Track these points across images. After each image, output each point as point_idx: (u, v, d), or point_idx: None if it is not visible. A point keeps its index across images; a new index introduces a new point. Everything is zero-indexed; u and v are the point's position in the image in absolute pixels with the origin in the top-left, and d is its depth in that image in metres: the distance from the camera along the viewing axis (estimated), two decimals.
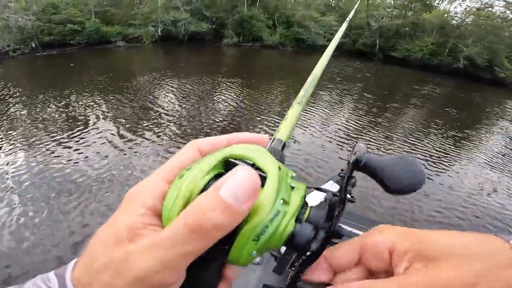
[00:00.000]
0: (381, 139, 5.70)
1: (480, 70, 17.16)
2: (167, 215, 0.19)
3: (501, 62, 16.75)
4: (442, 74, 16.81)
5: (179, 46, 15.26)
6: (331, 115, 6.90)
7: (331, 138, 5.47)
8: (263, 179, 0.19)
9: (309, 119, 6.30)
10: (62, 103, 6.25)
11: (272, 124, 5.83)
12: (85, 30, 12.79)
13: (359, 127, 6.23)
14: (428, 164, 5.00)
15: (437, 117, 7.87)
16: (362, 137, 5.69)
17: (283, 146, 0.28)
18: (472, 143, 6.55)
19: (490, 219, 3.69)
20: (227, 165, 0.22)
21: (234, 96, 7.60)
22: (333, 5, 23.60)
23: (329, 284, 0.22)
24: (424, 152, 5.45)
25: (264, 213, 0.18)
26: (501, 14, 18.05)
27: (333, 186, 1.29)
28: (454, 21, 19.19)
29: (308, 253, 0.21)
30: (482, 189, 4.42)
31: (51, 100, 6.41)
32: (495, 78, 16.92)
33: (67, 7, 12.99)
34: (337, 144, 5.28)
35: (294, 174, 0.22)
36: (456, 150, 5.81)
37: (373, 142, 5.57)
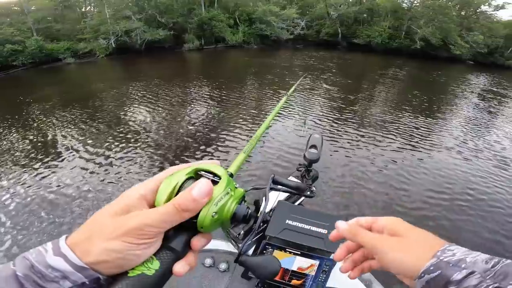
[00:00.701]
0: (354, 128, 6.09)
1: (437, 49, 18.85)
2: (160, 198, 0.30)
3: (455, 40, 18.45)
4: (403, 56, 18.26)
5: (137, 56, 14.89)
6: (300, 109, 7.22)
7: (302, 130, 5.73)
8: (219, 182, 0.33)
9: (279, 114, 6.56)
10: (21, 130, 5.96)
11: (246, 125, 5.96)
12: (27, 49, 12.03)
13: (330, 118, 6.61)
14: (405, 141, 5.48)
15: (403, 99, 8.55)
16: (334, 127, 6.05)
17: (231, 175, 0.44)
18: (443, 116, 7.26)
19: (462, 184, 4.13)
20: (197, 173, 0.34)
21: (206, 100, 7.67)
22: None
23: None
24: (397, 131, 5.95)
25: (220, 190, 0.31)
26: None
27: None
28: (404, 4, 20.74)
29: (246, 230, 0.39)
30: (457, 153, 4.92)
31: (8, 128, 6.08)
32: (451, 56, 18.70)
33: (1, 27, 12.09)
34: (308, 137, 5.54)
35: (238, 184, 0.37)
36: (427, 126, 6.40)
37: (346, 132, 5.88)
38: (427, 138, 5.84)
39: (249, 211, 0.35)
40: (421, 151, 5.24)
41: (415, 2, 20.34)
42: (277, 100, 7.63)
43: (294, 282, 1.15)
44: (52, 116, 6.75)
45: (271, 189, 0.40)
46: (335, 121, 6.43)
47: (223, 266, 1.36)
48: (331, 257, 1.13)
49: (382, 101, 8.08)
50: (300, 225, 1.16)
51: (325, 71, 11.66)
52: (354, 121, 6.60)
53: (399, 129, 6.17)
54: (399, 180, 4.24)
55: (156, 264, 0.27)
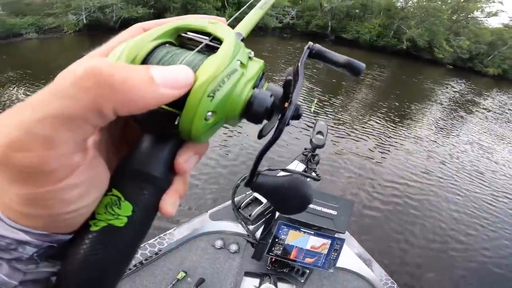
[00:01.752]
0: (335, 124, 6.43)
1: (420, 51, 19.98)
2: None
3: (440, 43, 19.71)
4: (387, 54, 19.18)
5: (110, 34, 13.93)
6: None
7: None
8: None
9: None
10: None
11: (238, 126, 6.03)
12: None
13: (313, 113, 6.88)
14: (383, 138, 5.99)
15: (384, 98, 9.16)
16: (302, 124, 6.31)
17: (242, 40, 0.27)
18: (413, 121, 7.92)
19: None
20: (181, 41, 0.22)
21: None
22: None
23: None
24: (376, 129, 6.45)
25: (220, 68, 0.18)
26: None
27: (298, 166, 1.50)
28: (399, 3, 21.65)
29: (269, 135, 0.22)
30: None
31: None
32: (433, 59, 19.96)
33: None
34: (292, 130, 5.80)
35: (253, 53, 0.23)
36: (397, 130, 6.93)
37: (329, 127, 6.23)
38: (394, 141, 6.30)
39: (273, 98, 0.21)
40: (386, 152, 5.69)
41: (410, 2, 21.24)
42: None
43: (308, 260, 1.29)
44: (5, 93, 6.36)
45: (314, 56, 0.27)
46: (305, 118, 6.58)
47: (233, 247, 1.46)
48: (341, 236, 1.29)
49: (358, 102, 8.52)
50: (312, 206, 1.31)
51: (307, 66, 11.94)
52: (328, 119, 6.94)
53: (369, 130, 6.58)
54: (367, 179, 4.61)
55: (127, 208, 0.18)
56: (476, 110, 10.54)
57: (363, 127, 6.53)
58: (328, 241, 1.26)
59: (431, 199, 4.31)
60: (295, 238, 1.28)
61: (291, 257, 1.28)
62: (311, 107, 6.57)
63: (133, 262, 1.30)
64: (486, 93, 14.51)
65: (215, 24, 0.21)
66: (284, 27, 20.48)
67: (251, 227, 1.34)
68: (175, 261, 1.37)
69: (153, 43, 0.19)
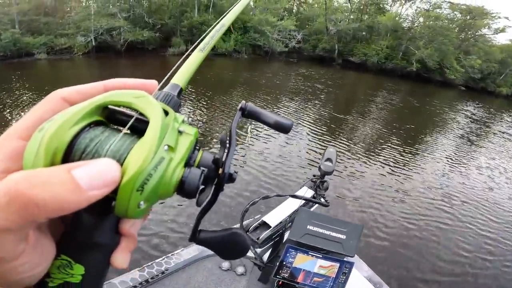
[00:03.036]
0: (343, 151, 6.52)
1: (431, 72, 20.43)
2: (28, 165, 0.18)
3: (451, 64, 20.13)
4: (397, 78, 19.59)
5: (117, 57, 15.02)
6: (300, 122, 7.69)
7: (294, 150, 6.16)
8: (147, 124, 0.21)
9: (273, 132, 6.91)
10: None
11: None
12: (0, 42, 12.04)
13: (321, 140, 7.07)
14: (392, 171, 5.95)
15: (395, 123, 9.28)
16: (323, 149, 6.45)
17: (180, 92, 0.28)
18: (426, 149, 7.93)
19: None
20: (108, 113, 0.22)
21: (188, 112, 7.87)
22: (294, 11, 25.83)
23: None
24: (386, 161, 6.42)
25: (146, 161, 0.19)
26: (448, 15, 21.70)
27: (307, 192, 1.55)
28: (405, 24, 22.62)
29: (204, 203, 0.24)
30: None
31: None
32: (444, 80, 20.34)
33: None
34: (300, 155, 5.96)
35: (186, 119, 0.24)
36: (410, 159, 6.99)
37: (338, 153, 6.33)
38: (408, 170, 6.31)
39: (204, 173, 0.23)
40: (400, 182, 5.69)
41: (417, 21, 22.09)
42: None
43: (315, 283, 1.35)
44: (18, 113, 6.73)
45: (246, 116, 0.30)
46: (316, 149, 6.68)
47: (240, 269, 1.53)
48: (350, 260, 1.36)
49: (369, 128, 8.61)
50: (320, 230, 1.40)
51: (315, 93, 12.02)
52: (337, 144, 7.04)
53: (381, 156, 6.64)
54: (379, 209, 4.61)
55: (79, 269, 0.21)
56: (494, 134, 10.55)
57: (374, 153, 6.65)
58: (337, 265, 1.34)
59: (444, 228, 4.28)
60: (303, 262, 1.36)
61: (299, 280, 1.35)
62: (246, 137, 6.34)
63: (139, 280, 1.38)
64: (501, 115, 14.53)
65: (140, 98, 0.22)
66: (290, 51, 21.29)
67: (258, 250, 1.43)
68: (180, 281, 1.43)
69: (74, 128, 0.19)
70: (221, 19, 0.39)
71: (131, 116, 0.22)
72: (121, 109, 0.23)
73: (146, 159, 0.19)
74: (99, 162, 0.18)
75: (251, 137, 6.62)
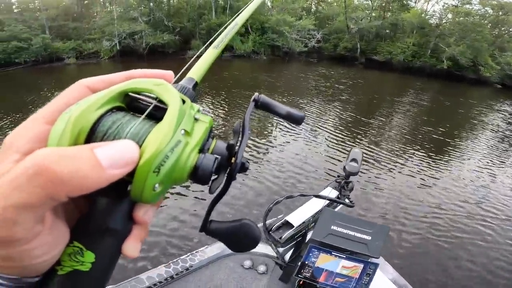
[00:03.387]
0: (367, 155, 6.38)
1: (463, 70, 19.44)
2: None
3: (485, 61, 19.00)
4: (425, 76, 18.73)
5: (139, 61, 15.68)
6: (316, 127, 7.58)
7: (322, 147, 6.26)
8: (165, 111, 0.22)
9: (297, 132, 6.93)
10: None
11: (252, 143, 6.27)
12: (32, 47, 12.93)
13: (345, 140, 6.98)
14: (422, 174, 5.74)
15: (423, 127, 8.82)
16: (349, 149, 6.34)
17: (195, 85, 0.29)
18: (462, 144, 7.47)
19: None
20: (129, 100, 0.24)
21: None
22: (313, 10, 25.67)
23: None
24: (414, 166, 6.18)
25: (163, 143, 0.20)
26: (479, 11, 20.62)
27: (331, 192, 1.52)
28: (433, 20, 21.68)
29: (218, 189, 0.25)
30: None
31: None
32: (479, 78, 19.23)
33: (14, 23, 13.18)
34: (325, 155, 5.99)
35: (202, 108, 0.25)
36: (446, 158, 6.66)
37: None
38: (437, 171, 6.03)
39: (217, 160, 0.24)
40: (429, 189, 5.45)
41: (446, 18, 21.18)
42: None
43: (338, 283, 1.36)
44: None
45: (259, 107, 0.31)
46: (334, 154, 6.55)
47: (262, 268, 1.57)
48: (375, 261, 1.36)
49: (395, 131, 8.28)
50: (344, 231, 1.42)
51: (335, 94, 11.69)
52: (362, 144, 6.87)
53: (409, 163, 6.37)
54: (405, 213, 4.46)
55: (89, 256, 0.21)
56: None
57: (401, 157, 6.42)
58: (361, 265, 1.35)
59: (480, 243, 4.01)
60: (325, 262, 1.38)
61: (320, 280, 1.37)
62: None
63: (165, 276, 1.46)
64: None
65: (160, 86, 0.23)
66: (310, 51, 21.13)
67: (280, 250, 1.46)
68: (204, 278, 1.50)
69: (98, 112, 0.21)
70: (235, 17, 0.40)
71: (151, 104, 0.23)
72: (141, 96, 0.24)
73: (163, 141, 0.20)
74: (120, 143, 0.20)
75: None
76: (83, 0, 16.82)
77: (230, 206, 3.93)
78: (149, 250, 3.18)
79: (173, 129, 0.21)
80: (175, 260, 1.52)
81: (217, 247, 1.58)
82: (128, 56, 15.77)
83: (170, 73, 0.27)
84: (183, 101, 0.24)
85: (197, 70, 0.32)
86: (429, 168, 5.94)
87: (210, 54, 0.34)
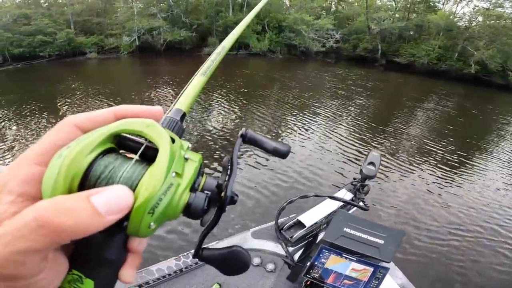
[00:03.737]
0: (387, 156, 6.31)
1: (492, 75, 18.68)
2: (47, 190, 0.21)
3: None
4: (449, 80, 18.06)
5: (157, 57, 16.08)
6: (334, 129, 7.56)
7: (335, 151, 6.26)
8: (156, 152, 0.23)
9: (312, 133, 6.93)
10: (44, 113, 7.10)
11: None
12: (56, 41, 13.55)
13: (362, 143, 6.92)
14: (444, 175, 5.72)
15: (445, 134, 8.57)
16: (365, 153, 6.27)
17: (183, 117, 0.30)
18: (485, 153, 7.23)
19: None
20: (119, 140, 0.25)
21: (226, 107, 8.14)
22: (332, 10, 25.39)
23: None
24: (434, 173, 6.05)
25: (156, 188, 0.22)
26: (511, 15, 19.76)
27: (346, 195, 1.54)
28: (461, 23, 20.91)
29: (208, 223, 0.27)
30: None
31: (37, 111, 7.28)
32: (507, 83, 18.37)
33: (40, 18, 13.87)
34: (342, 156, 6.03)
35: (190, 145, 0.27)
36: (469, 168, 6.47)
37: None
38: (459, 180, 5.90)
39: (208, 197, 0.26)
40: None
41: (476, 21, 20.43)
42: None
43: (346, 285, 1.39)
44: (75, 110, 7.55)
45: (246, 142, 0.32)
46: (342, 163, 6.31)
47: (270, 266, 1.62)
48: (385, 265, 1.37)
49: (415, 138, 7.96)
50: (357, 233, 1.44)
51: (352, 97, 11.42)
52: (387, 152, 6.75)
53: (429, 166, 6.30)
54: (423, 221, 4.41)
55: (89, 284, 0.23)
56: None
57: (420, 161, 6.33)
58: (370, 269, 1.37)
59: (498, 253, 3.97)
60: (335, 263, 1.40)
61: (328, 281, 1.40)
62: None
63: (174, 268, 1.53)
64: None
65: (150, 127, 0.24)
66: (328, 51, 20.91)
67: (290, 249, 1.49)
68: (212, 273, 1.56)
69: (90, 156, 0.22)
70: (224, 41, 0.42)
71: (140, 143, 0.25)
72: (131, 136, 0.26)
73: (156, 186, 0.22)
74: (114, 189, 0.21)
75: None
76: None
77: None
78: (163, 242, 3.31)
79: (165, 173, 0.22)
80: (185, 253, 1.59)
81: (227, 243, 1.64)
82: (146, 52, 16.21)
83: (158, 109, 0.28)
84: (173, 140, 0.25)
85: (185, 100, 0.32)
86: (449, 182, 5.77)
87: (197, 82, 0.34)
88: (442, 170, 6.11)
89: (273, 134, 6.92)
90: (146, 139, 0.25)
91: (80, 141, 0.22)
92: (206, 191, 0.26)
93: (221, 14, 18.87)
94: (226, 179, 0.28)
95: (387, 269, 1.32)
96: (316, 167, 5.44)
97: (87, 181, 0.22)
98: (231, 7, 19.23)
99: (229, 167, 0.29)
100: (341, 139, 6.99)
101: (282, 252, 1.59)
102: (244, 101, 9.21)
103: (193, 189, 0.25)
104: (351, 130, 7.80)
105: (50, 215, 0.18)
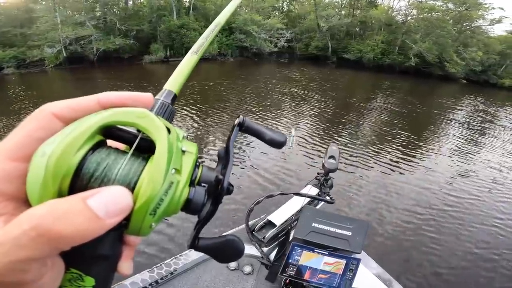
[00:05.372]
0: (346, 147, 6.91)
1: (430, 67, 21.23)
2: (33, 191, 0.20)
3: (450, 57, 20.85)
4: (395, 74, 20.21)
5: (91, 68, 15.12)
6: (295, 128, 8.01)
7: (297, 149, 6.66)
8: (152, 144, 0.23)
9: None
10: None
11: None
12: None
13: (322, 140, 7.38)
14: (398, 162, 6.28)
15: (394, 126, 9.53)
16: (323, 150, 6.71)
17: (174, 99, 0.30)
18: (433, 139, 8.27)
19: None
20: (106, 129, 0.24)
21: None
22: (285, 9, 26.75)
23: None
24: (392, 152, 6.77)
25: (156, 188, 0.22)
26: (442, 6, 22.56)
27: (311, 190, 1.61)
28: (399, 17, 23.46)
29: (205, 214, 0.27)
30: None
31: None
32: (445, 74, 21.11)
33: None
34: (304, 154, 6.40)
35: (185, 134, 0.27)
36: (419, 153, 7.29)
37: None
38: (411, 164, 6.68)
39: (206, 192, 0.26)
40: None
41: (411, 14, 22.97)
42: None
43: (322, 279, 1.49)
44: None
45: (243, 131, 0.33)
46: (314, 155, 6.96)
47: (247, 269, 1.65)
48: (357, 256, 1.50)
49: (369, 132, 8.81)
50: (325, 227, 1.55)
51: (307, 97, 12.04)
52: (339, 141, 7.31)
53: (384, 153, 7.03)
54: (385, 206, 4.92)
55: (90, 281, 0.24)
56: (502, 129, 10.96)
57: (377, 150, 6.93)
58: (343, 261, 1.47)
59: (450, 222, 4.61)
60: (309, 259, 1.49)
61: (305, 277, 1.48)
62: (290, 141, 6.83)
63: (149, 281, 1.50)
64: (506, 110, 14.98)
65: (144, 119, 0.23)
66: (281, 51, 21.82)
67: (265, 249, 1.55)
68: (189, 281, 1.57)
69: (80, 153, 0.21)
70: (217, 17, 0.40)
71: (130, 133, 0.25)
72: (121, 127, 0.25)
73: (156, 186, 0.22)
74: (111, 191, 0.21)
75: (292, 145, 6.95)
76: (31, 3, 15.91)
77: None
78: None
79: (165, 172, 0.22)
80: (158, 264, 1.57)
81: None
82: (77, 64, 15.12)
83: (148, 96, 0.27)
84: (168, 130, 0.24)
85: (175, 80, 0.32)
86: (403, 161, 6.53)
87: (188, 61, 0.33)
88: (397, 158, 6.79)
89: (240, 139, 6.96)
90: (140, 132, 0.24)
91: (66, 136, 0.21)
92: (203, 184, 0.27)
93: (164, 19, 18.51)
94: (222, 169, 0.29)
95: (358, 260, 1.44)
96: (279, 166, 5.71)
97: (78, 181, 0.21)
98: (174, 11, 19.00)
99: (226, 155, 0.30)
100: (301, 137, 7.38)
101: (257, 254, 1.64)
102: (196, 119, 9.12)
103: (191, 183, 0.26)
104: (310, 128, 8.26)
105: (48, 223, 0.18)
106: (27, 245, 0.18)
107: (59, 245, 0.19)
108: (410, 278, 3.41)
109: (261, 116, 8.92)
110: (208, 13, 20.52)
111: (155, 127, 0.23)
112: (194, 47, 0.34)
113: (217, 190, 0.27)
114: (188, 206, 0.25)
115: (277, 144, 0.33)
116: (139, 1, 20.37)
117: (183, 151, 0.25)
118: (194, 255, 1.63)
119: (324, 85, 14.75)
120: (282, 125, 8.30)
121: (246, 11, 21.54)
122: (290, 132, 7.40)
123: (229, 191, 0.28)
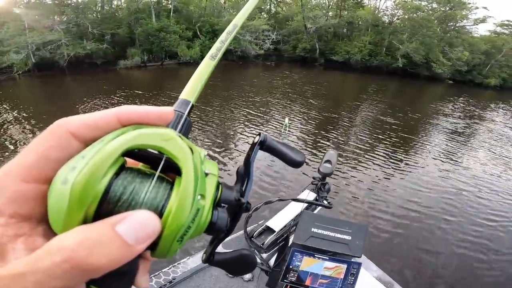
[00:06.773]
0: (341, 152, 7.01)
1: (417, 67, 22.00)
2: (57, 218, 0.21)
3: (437, 57, 21.69)
4: (383, 75, 20.76)
5: (61, 74, 14.77)
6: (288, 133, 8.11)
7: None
8: (176, 167, 0.24)
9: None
10: None
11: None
12: None
13: (315, 144, 7.61)
14: (388, 164, 6.65)
15: (383, 127, 9.90)
16: (317, 156, 6.87)
17: (191, 109, 0.30)
18: (422, 140, 8.69)
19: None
20: (134, 154, 0.25)
21: None
22: (273, 11, 27.08)
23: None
24: (382, 156, 7.08)
25: (185, 216, 0.23)
26: (427, 6, 23.50)
27: (309, 195, 1.66)
28: (385, 17, 24.34)
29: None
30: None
31: None
32: (432, 74, 21.94)
33: None
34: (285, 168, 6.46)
35: (206, 153, 0.27)
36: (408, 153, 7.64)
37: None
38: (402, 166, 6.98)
39: (227, 214, 0.27)
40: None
41: (397, 13, 23.84)
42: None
43: (323, 284, 1.54)
44: None
45: (264, 150, 0.33)
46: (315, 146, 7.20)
47: (247, 276, 1.69)
48: (357, 260, 1.56)
49: (358, 133, 9.20)
50: (325, 232, 1.61)
51: (297, 101, 12.30)
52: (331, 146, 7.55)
53: (375, 157, 7.31)
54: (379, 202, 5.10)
55: None
56: (488, 129, 11.54)
57: (369, 154, 7.19)
58: (344, 266, 1.53)
59: (440, 220, 4.91)
60: (309, 264, 1.54)
61: (307, 283, 1.53)
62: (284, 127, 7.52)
63: None
64: (492, 109, 15.70)
65: (169, 142, 0.24)
66: (267, 53, 21.94)
67: (264, 255, 1.59)
68: None
69: (106, 178, 0.21)
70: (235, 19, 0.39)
71: (151, 153, 0.25)
72: (143, 152, 0.26)
73: (185, 214, 0.23)
74: (140, 216, 0.21)
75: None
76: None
77: None
78: None
79: (192, 200, 0.23)
80: (156, 273, 1.59)
81: (200, 257, 1.66)
82: (47, 70, 14.75)
83: (169, 111, 0.27)
84: (191, 151, 0.25)
85: (192, 89, 0.32)
86: (394, 170, 6.78)
87: (206, 67, 0.33)
88: (389, 161, 7.08)
89: (225, 148, 6.98)
90: (164, 155, 0.24)
91: (89, 161, 0.21)
92: (223, 204, 0.28)
93: (141, 22, 18.31)
94: (240, 187, 0.30)
95: (359, 264, 1.50)
96: (275, 171, 5.85)
97: (104, 205, 0.22)
98: (153, 13, 18.90)
99: (245, 175, 0.31)
100: (296, 142, 7.51)
101: (258, 260, 1.68)
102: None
103: (213, 205, 0.27)
104: (302, 132, 8.44)
105: (81, 256, 0.19)
106: (60, 276, 0.18)
107: (92, 275, 0.19)
108: (408, 279, 3.58)
109: (249, 123, 8.99)
110: (191, 16, 20.52)
111: (180, 151, 0.24)
112: (212, 51, 0.34)
113: (236, 209, 0.29)
114: (212, 229, 0.26)
115: (297, 164, 0.34)
116: (116, 3, 20.19)
117: (206, 174, 0.26)
118: (192, 263, 1.65)
119: (311, 89, 14.96)
120: (268, 131, 8.39)
121: (232, 12, 21.68)
122: (284, 120, 7.93)
123: (247, 209, 0.30)
